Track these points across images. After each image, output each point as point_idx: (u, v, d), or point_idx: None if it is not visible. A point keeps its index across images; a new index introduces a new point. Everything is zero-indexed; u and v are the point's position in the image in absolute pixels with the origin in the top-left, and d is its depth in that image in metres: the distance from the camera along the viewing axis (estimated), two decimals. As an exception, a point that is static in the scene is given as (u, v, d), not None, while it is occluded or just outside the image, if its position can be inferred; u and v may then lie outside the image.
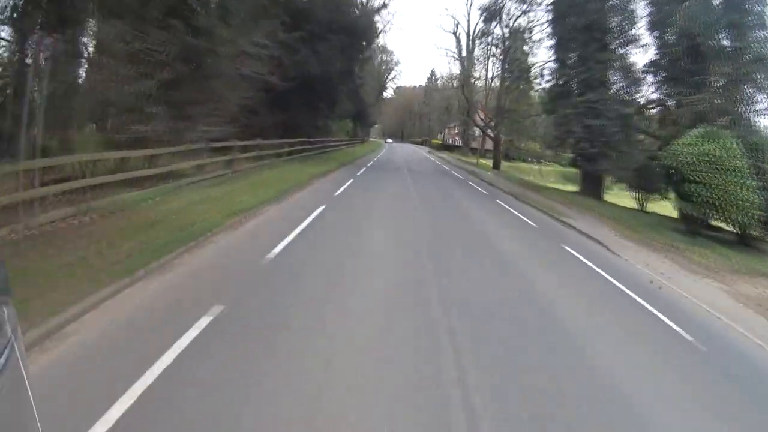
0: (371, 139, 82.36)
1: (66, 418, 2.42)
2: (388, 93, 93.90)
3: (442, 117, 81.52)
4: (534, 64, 29.82)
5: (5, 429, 0.63)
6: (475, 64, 46.73)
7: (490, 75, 39.95)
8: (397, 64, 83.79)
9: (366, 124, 70.08)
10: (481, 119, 39.10)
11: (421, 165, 29.18)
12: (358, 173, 18.14)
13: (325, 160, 21.15)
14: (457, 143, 69.81)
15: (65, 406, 2.53)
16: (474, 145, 59.86)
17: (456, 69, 51.52)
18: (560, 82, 18.97)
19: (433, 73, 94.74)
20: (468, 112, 39.52)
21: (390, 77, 78.88)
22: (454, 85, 49.92)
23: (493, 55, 37.84)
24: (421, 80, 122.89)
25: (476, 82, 45.44)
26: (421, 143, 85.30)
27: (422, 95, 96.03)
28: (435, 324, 4.23)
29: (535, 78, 28.12)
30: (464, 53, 42.95)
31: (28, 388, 0.79)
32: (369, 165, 23.75)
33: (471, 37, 41.64)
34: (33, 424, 0.79)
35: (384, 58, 75.78)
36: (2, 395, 0.60)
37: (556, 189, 20.24)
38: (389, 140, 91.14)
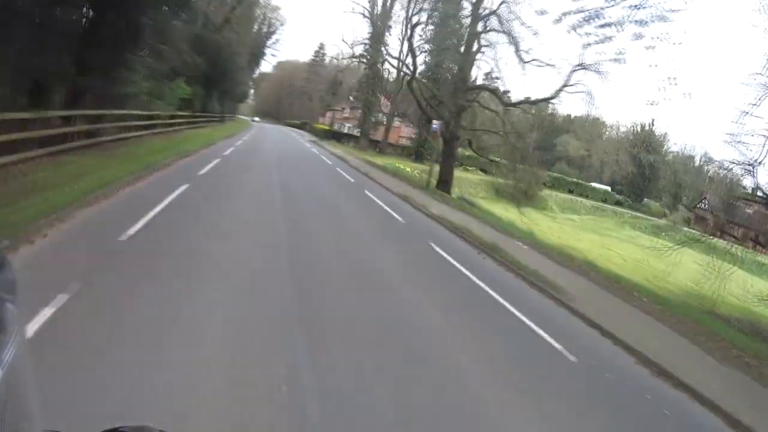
0: (241, 117, 63.22)
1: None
2: (268, 65, 75.80)
3: (327, 96, 67.16)
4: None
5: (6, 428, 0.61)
6: (391, 27, 34.51)
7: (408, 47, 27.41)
8: (282, 24, 65.55)
9: (232, 97, 51.68)
10: (422, 107, 26.34)
11: (321, 197, 14.84)
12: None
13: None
14: (347, 131, 54.83)
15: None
16: (380, 136, 46.33)
17: (364, 32, 38.19)
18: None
19: (321, 47, 79.11)
20: (408, 83, 25.53)
21: (271, 41, 61.84)
22: (361, 51, 36.31)
23: None
24: (306, 56, 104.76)
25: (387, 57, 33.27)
26: (300, 126, 68.88)
27: (306, 72, 79.83)
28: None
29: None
30: (379, 9, 30.39)
31: (29, 392, 0.72)
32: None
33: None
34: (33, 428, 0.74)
35: (266, 15, 58.51)
36: (1, 397, 0.56)
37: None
38: (257, 119, 72.25)
